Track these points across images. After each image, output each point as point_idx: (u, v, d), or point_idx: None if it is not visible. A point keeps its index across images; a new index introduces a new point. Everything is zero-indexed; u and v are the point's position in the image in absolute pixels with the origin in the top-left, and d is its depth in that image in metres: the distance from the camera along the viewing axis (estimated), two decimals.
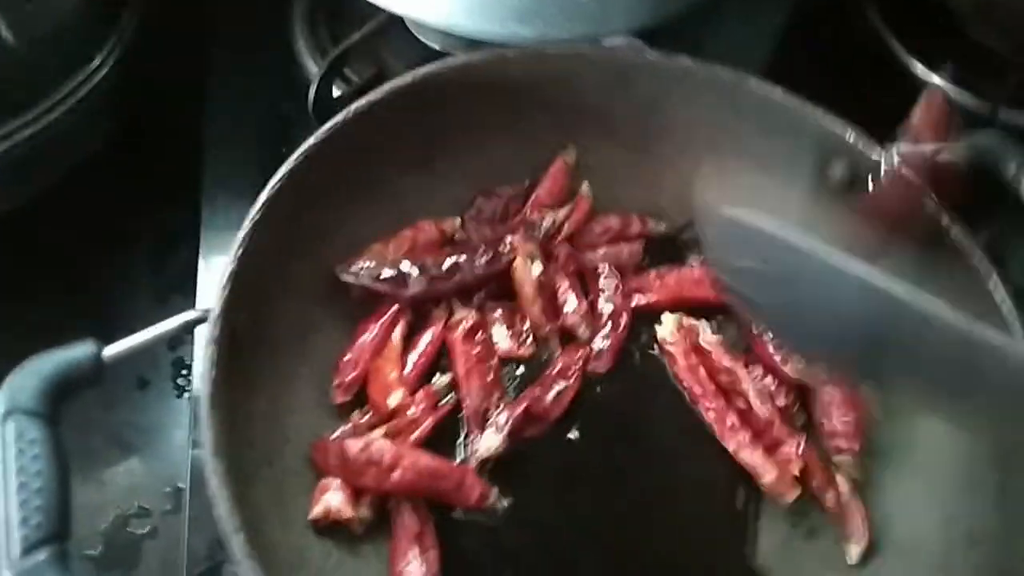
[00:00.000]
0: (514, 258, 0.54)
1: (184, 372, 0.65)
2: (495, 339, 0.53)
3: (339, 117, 0.48)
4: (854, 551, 0.48)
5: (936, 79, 0.69)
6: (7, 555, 0.33)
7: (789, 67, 0.65)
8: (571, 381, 0.52)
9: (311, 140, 0.47)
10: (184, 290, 0.62)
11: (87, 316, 0.66)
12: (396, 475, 0.45)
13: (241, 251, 0.43)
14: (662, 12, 0.59)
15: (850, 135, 0.52)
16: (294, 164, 0.46)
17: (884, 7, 0.73)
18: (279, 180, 0.45)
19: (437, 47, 0.63)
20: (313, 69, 0.67)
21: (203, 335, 0.41)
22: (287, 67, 0.70)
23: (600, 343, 0.54)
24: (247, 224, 0.44)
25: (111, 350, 0.39)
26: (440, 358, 0.53)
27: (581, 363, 0.53)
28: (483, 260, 0.53)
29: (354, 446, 0.45)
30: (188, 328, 0.41)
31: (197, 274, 0.60)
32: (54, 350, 0.38)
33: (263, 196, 0.45)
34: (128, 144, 0.70)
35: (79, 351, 0.38)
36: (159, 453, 0.63)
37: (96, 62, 0.64)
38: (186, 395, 0.63)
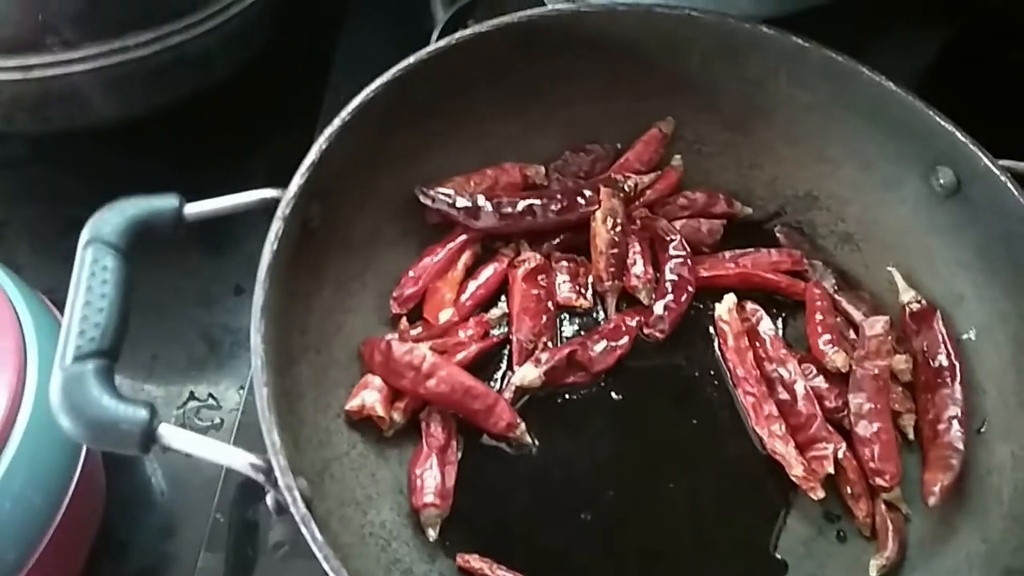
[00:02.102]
0: (592, 211, 0.54)
1: None
2: (556, 285, 0.54)
3: (442, 42, 0.50)
4: (875, 565, 0.46)
5: None
6: (61, 358, 0.36)
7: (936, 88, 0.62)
8: (622, 340, 0.52)
9: (411, 59, 0.49)
10: None
11: None
12: (431, 383, 0.46)
13: (326, 146, 0.45)
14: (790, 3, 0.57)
15: (963, 141, 0.49)
16: (391, 77, 0.48)
17: None
18: (373, 89, 0.47)
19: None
20: (440, 15, 0.70)
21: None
22: (420, 13, 0.74)
23: (659, 310, 0.53)
24: (336, 122, 0.46)
25: (192, 208, 0.42)
26: (499, 295, 0.54)
27: (636, 326, 0.53)
28: (557, 207, 0.54)
29: (400, 347, 0.47)
30: (265, 206, 0.44)
31: None
32: (141, 196, 0.41)
33: (356, 100, 0.47)
34: (262, 69, 0.75)
35: (163, 201, 0.41)
36: (240, 355, 0.67)
37: None
38: None
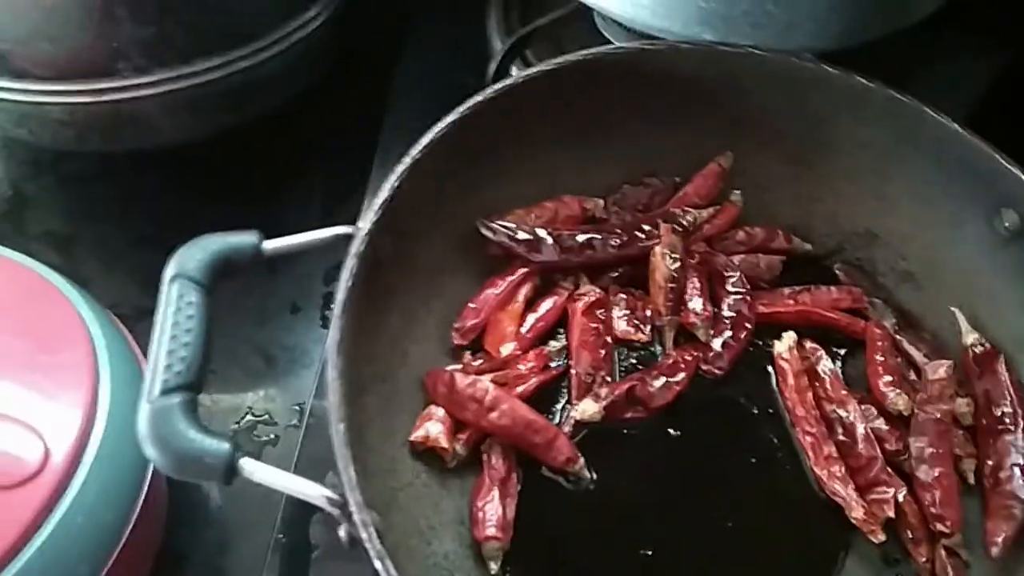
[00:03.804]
0: (651, 245, 0.55)
1: (332, 305, 0.71)
2: (614, 319, 0.55)
3: (509, 80, 0.51)
4: None
5: None
6: (148, 391, 0.38)
7: (987, 119, 0.62)
8: (680, 376, 0.53)
9: (479, 96, 0.50)
10: None
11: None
12: (494, 415, 0.47)
13: (397, 184, 0.46)
14: (853, 35, 0.57)
15: None
16: (459, 116, 0.49)
17: None
18: (442, 128, 0.49)
19: (616, 43, 0.65)
20: (498, 46, 0.71)
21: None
22: (477, 43, 0.75)
23: (718, 346, 0.54)
24: (407, 160, 0.47)
25: (270, 244, 0.43)
26: (558, 327, 0.55)
27: (694, 361, 0.53)
28: (617, 241, 0.55)
29: (463, 380, 0.48)
30: (340, 240, 0.45)
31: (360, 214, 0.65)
32: (223, 233, 0.43)
33: (425, 139, 0.48)
34: (322, 94, 0.77)
35: (243, 238, 0.43)
36: (296, 371, 0.69)
37: (312, 12, 0.71)
38: None
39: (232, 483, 0.37)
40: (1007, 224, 0.51)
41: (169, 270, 0.41)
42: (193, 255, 0.41)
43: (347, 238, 0.45)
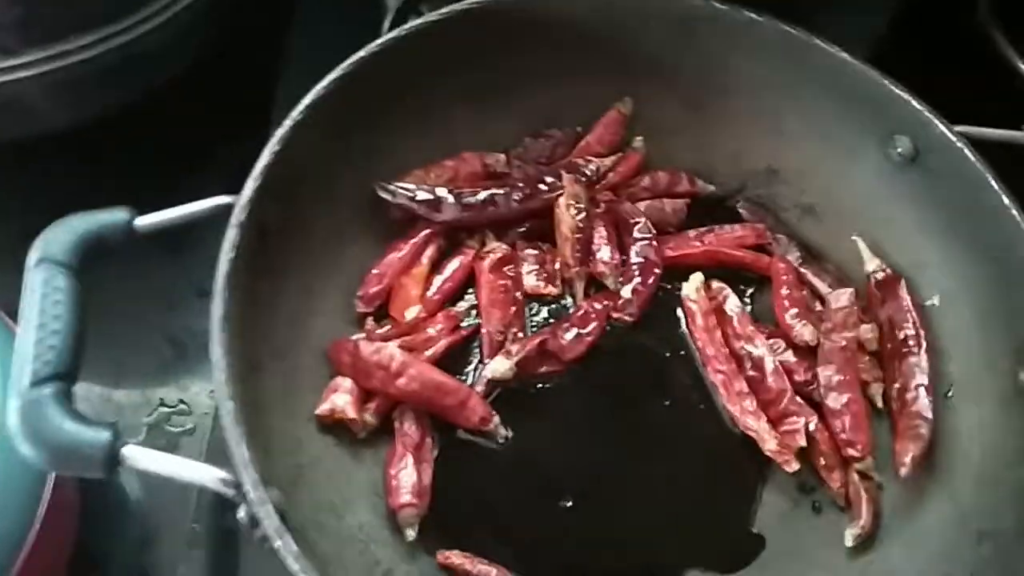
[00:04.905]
0: (555, 198, 0.54)
1: None
2: (523, 274, 0.54)
3: (392, 34, 0.49)
4: (851, 534, 0.46)
5: None
6: (17, 384, 0.35)
7: (893, 58, 0.63)
8: (592, 327, 0.52)
9: (360, 53, 0.48)
10: None
11: None
12: (402, 381, 0.46)
13: (279, 147, 0.44)
14: None
15: (919, 109, 0.50)
16: (341, 74, 0.47)
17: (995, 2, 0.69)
18: (324, 87, 0.47)
19: None
20: (391, 3, 0.68)
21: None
22: (372, 1, 0.72)
23: (627, 293, 0.53)
24: (287, 123, 0.45)
25: (144, 220, 0.41)
26: (466, 288, 0.54)
27: (605, 311, 0.53)
28: (519, 196, 0.54)
29: (367, 347, 0.47)
30: (219, 212, 0.43)
31: None
32: (90, 212, 0.40)
33: (306, 99, 0.46)
34: (217, 65, 0.74)
35: (113, 215, 0.40)
36: (207, 357, 0.66)
37: None
38: None
39: (115, 473, 0.35)
40: (900, 150, 0.51)
41: (33, 254, 0.39)
42: (58, 237, 0.39)
43: (229, 208, 0.43)
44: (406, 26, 0.50)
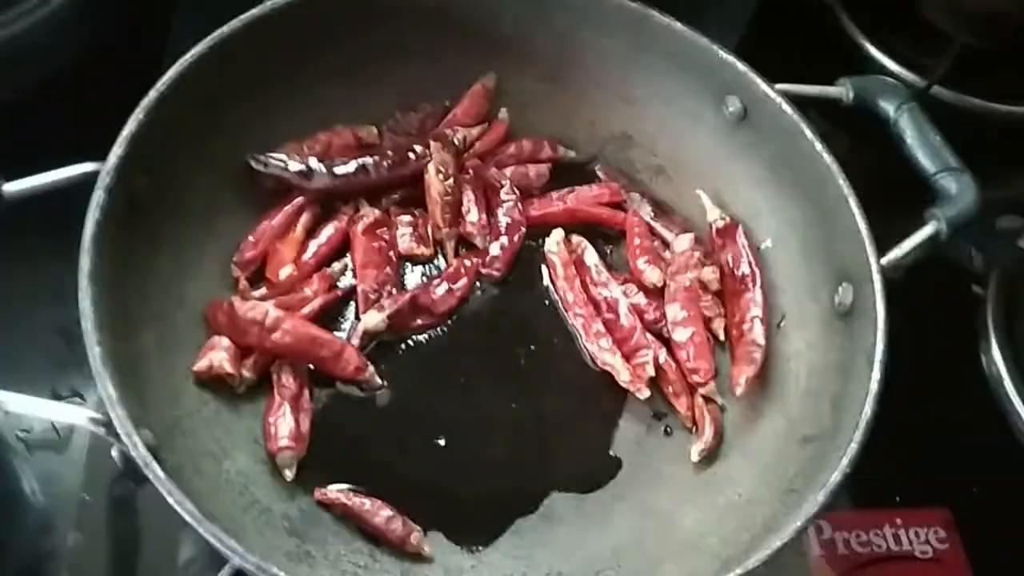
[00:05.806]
0: (424, 164, 0.58)
1: None
2: (397, 236, 0.57)
3: (255, 10, 0.52)
4: (696, 451, 0.51)
5: (877, 53, 0.72)
6: None
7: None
8: (462, 282, 0.56)
9: (223, 28, 0.51)
10: None
11: None
12: (276, 335, 0.49)
13: (143, 117, 0.47)
14: None
15: (743, 70, 0.55)
16: (206, 47, 0.50)
17: None
18: (188, 59, 0.49)
19: None
20: None
21: None
22: None
23: (495, 250, 0.57)
24: (152, 94, 0.47)
25: (12, 185, 0.43)
26: (343, 253, 0.57)
27: (474, 267, 0.57)
28: (389, 163, 0.57)
29: (242, 305, 0.49)
30: (87, 179, 0.45)
31: None
32: None
33: (171, 72, 0.48)
34: (91, 65, 0.74)
35: None
36: None
37: None
38: None
39: None
40: (731, 110, 0.57)
41: None
42: None
43: (95, 175, 0.45)
44: (267, 3, 0.53)
